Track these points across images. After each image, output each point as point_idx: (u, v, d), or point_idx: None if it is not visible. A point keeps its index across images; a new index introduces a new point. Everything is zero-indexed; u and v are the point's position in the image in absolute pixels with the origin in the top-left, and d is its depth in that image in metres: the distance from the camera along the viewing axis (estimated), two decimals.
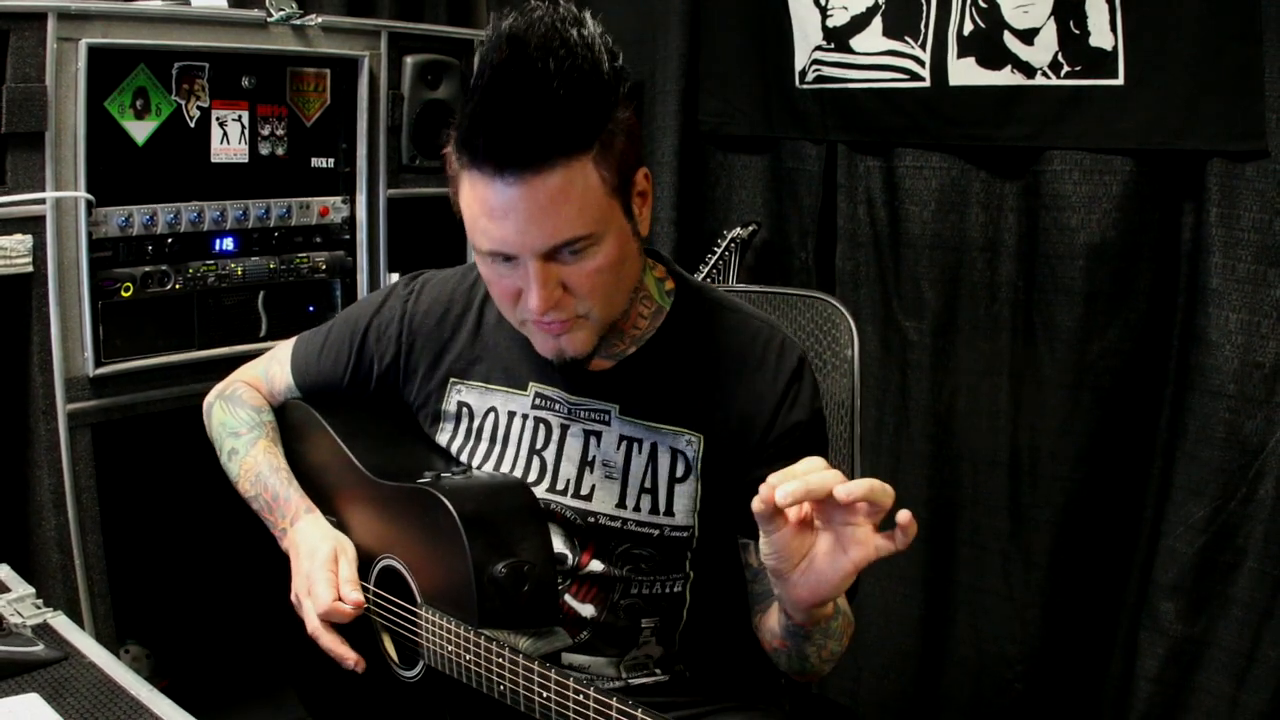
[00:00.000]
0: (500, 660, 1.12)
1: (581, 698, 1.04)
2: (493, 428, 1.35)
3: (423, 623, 1.23)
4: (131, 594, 2.14)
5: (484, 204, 1.12)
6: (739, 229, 2.37)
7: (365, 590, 1.32)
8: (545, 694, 1.08)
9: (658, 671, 1.34)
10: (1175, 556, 1.94)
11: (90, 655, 1.28)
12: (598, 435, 1.30)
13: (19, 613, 1.35)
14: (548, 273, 1.14)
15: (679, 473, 1.27)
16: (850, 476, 1.51)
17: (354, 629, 1.35)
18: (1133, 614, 2.04)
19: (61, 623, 1.35)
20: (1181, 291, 1.94)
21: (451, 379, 1.38)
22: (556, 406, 1.32)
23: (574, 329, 1.20)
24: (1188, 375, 1.93)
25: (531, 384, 1.33)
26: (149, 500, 2.26)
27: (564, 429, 1.32)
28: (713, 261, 2.35)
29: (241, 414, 1.48)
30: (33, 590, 1.41)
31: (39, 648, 1.26)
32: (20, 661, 1.23)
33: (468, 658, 1.16)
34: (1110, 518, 2.04)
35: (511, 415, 1.34)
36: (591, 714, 1.03)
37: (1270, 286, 1.79)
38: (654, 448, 1.28)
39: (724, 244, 2.35)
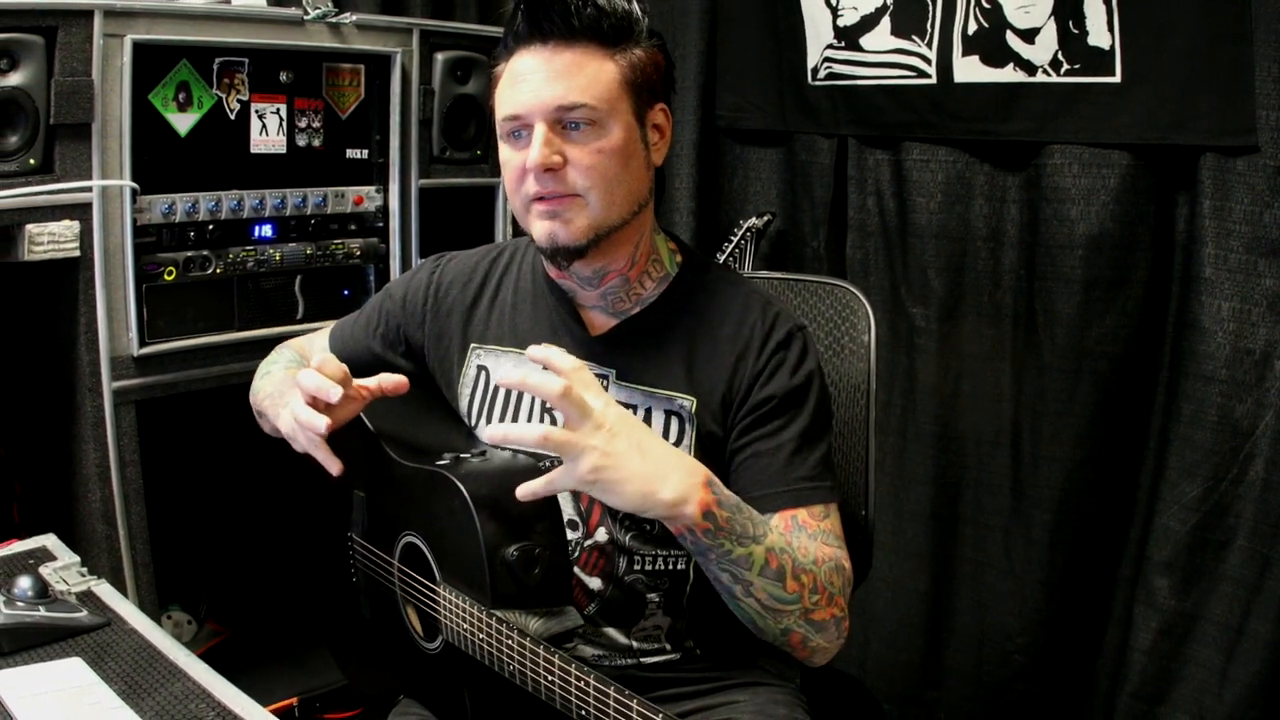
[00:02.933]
0: (510, 643, 1.14)
1: (582, 684, 1.05)
2: (508, 390, 1.40)
3: (441, 600, 1.25)
4: (175, 562, 2.20)
5: (510, 76, 1.28)
6: (754, 219, 2.44)
7: (390, 564, 1.35)
8: (550, 678, 1.09)
9: (668, 646, 1.37)
10: (1169, 534, 2.00)
11: (132, 621, 1.34)
12: None
13: (64, 580, 1.42)
14: (550, 138, 1.25)
15: (672, 438, 1.31)
16: (865, 459, 1.58)
17: (381, 598, 1.39)
18: (1128, 589, 2.09)
19: (105, 590, 1.42)
20: (1176, 280, 1.99)
21: (472, 344, 1.44)
22: None
23: (569, 210, 1.27)
24: (1181, 361, 1.98)
25: (545, 345, 1.38)
26: (191, 474, 2.32)
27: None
28: (729, 250, 2.41)
29: (285, 354, 1.59)
30: (78, 559, 1.48)
31: (82, 614, 1.32)
32: (64, 627, 1.30)
33: (481, 637, 1.18)
34: (1107, 496, 2.10)
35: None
36: (591, 701, 1.05)
37: (1260, 276, 1.84)
38: (648, 413, 1.33)
39: (740, 233, 2.42)
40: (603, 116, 1.26)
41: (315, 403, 1.28)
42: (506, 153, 1.30)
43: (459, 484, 1.22)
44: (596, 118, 1.25)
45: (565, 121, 1.25)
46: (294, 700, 2.17)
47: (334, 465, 1.31)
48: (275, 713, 1.27)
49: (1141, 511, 2.07)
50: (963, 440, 2.26)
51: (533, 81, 1.25)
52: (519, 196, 1.30)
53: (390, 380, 1.31)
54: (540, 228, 1.28)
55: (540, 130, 1.24)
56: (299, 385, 1.29)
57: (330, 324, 1.64)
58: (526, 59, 1.26)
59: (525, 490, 1.14)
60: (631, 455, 1.12)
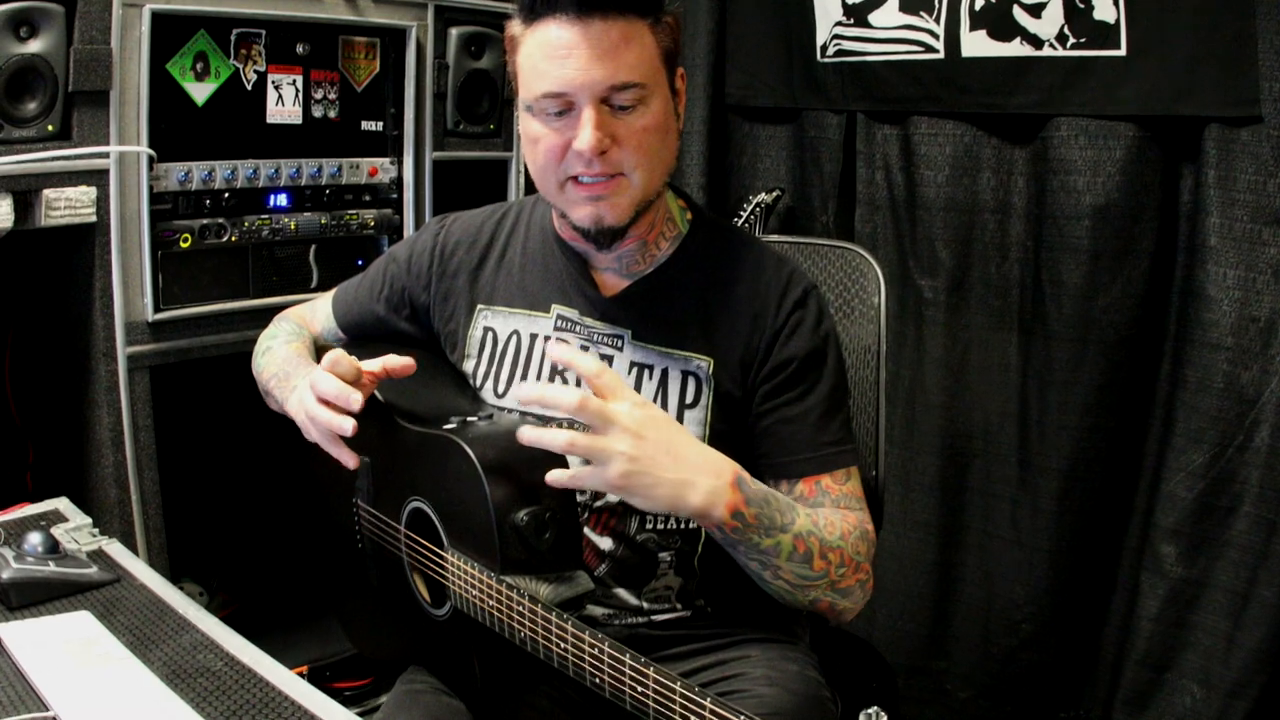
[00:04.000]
0: (520, 609, 1.12)
1: (595, 651, 1.04)
2: (515, 350, 1.39)
3: (449, 567, 1.23)
4: (188, 533, 2.20)
5: (549, 47, 1.20)
6: (764, 194, 2.45)
7: (397, 530, 1.33)
8: (563, 644, 1.08)
9: (679, 606, 1.37)
10: (1175, 501, 2.01)
11: (141, 578, 1.35)
12: (610, 360, 1.34)
13: (75, 540, 1.43)
14: (601, 117, 1.20)
15: (689, 399, 1.31)
16: (876, 420, 1.61)
17: (387, 565, 1.37)
18: (1135, 557, 2.10)
19: (115, 549, 1.43)
20: (1181, 250, 2.01)
21: (479, 305, 1.43)
22: (577, 329, 1.36)
23: (615, 193, 1.24)
24: (1187, 329, 1.99)
25: (554, 306, 1.38)
26: (204, 440, 2.32)
27: (583, 351, 1.34)
28: (739, 225, 2.42)
29: (285, 326, 1.57)
30: (89, 520, 1.50)
31: (92, 570, 1.33)
32: (73, 582, 1.31)
33: (491, 603, 1.16)
34: (1114, 465, 2.11)
35: (534, 337, 1.38)
36: (606, 668, 1.04)
37: (1265, 245, 1.86)
38: (664, 374, 1.32)
39: (750, 208, 2.43)
40: (649, 93, 1.23)
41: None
42: (539, 129, 1.25)
43: (466, 448, 1.20)
44: (645, 95, 1.22)
45: (614, 101, 1.21)
46: (304, 669, 2.18)
47: (351, 461, 1.28)
48: None
49: (1148, 479, 2.08)
50: (970, 411, 2.27)
51: (579, 58, 1.18)
52: (554, 174, 1.26)
53: (395, 362, 1.29)
54: (584, 211, 1.26)
55: (590, 112, 1.20)
56: (316, 389, 1.26)
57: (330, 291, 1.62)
58: (565, 31, 1.19)
59: (552, 478, 1.14)
60: (660, 459, 1.12)
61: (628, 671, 1.01)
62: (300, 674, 2.13)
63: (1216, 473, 1.96)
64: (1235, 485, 1.94)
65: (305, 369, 1.39)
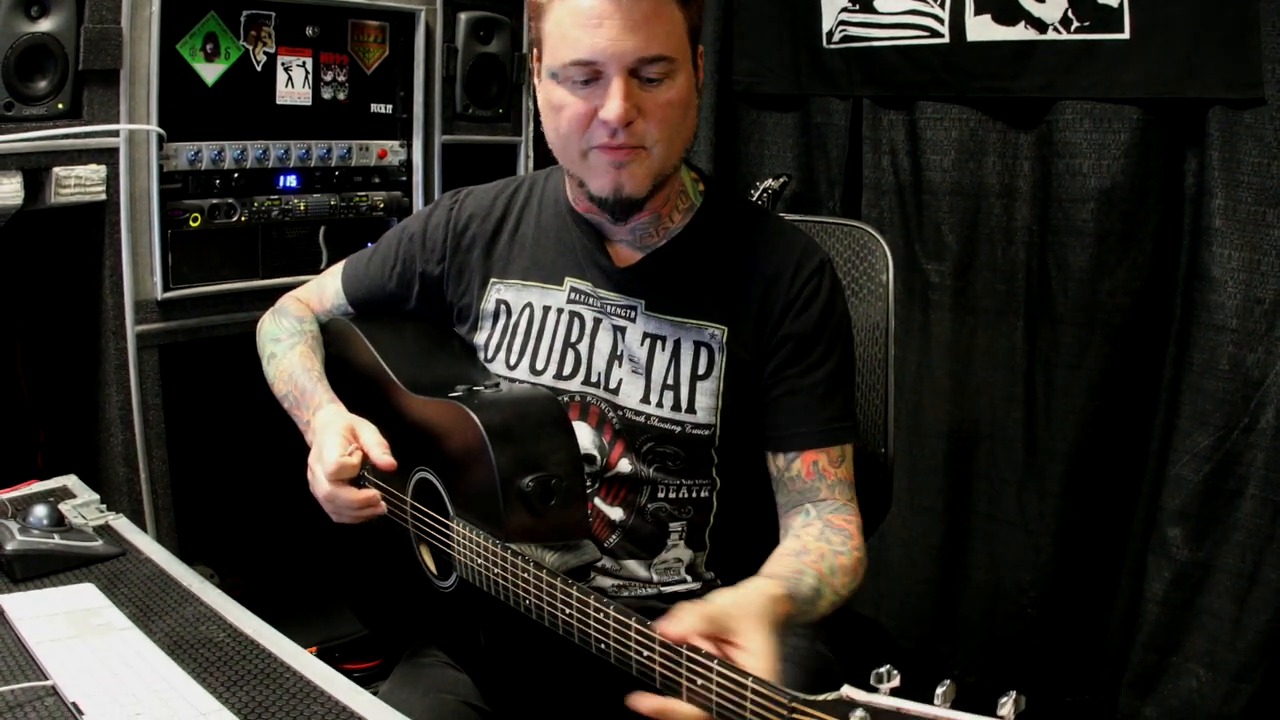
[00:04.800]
0: (525, 575, 1.11)
1: (601, 616, 1.03)
2: (528, 323, 1.39)
3: (454, 535, 1.22)
4: (199, 515, 2.21)
5: (580, 15, 1.19)
6: (771, 181, 2.45)
7: (403, 501, 1.33)
8: (568, 610, 1.07)
9: (689, 579, 1.37)
10: (1181, 484, 2.00)
11: (147, 551, 1.35)
12: (623, 330, 1.34)
13: (82, 515, 1.42)
14: (629, 88, 1.20)
15: (701, 370, 1.31)
16: (884, 397, 1.61)
17: (393, 538, 1.37)
18: (1141, 539, 2.10)
19: (122, 524, 1.43)
20: (1186, 232, 2.01)
21: (492, 279, 1.43)
22: (590, 300, 1.36)
23: (636, 162, 1.24)
24: (1193, 311, 1.99)
25: (567, 278, 1.38)
26: (213, 421, 2.33)
27: (596, 322, 1.36)
28: None
29: (285, 323, 1.55)
30: (97, 496, 1.49)
31: (98, 543, 1.32)
32: (78, 555, 1.30)
33: (496, 571, 1.15)
34: (1120, 448, 2.11)
35: (547, 310, 1.38)
36: (611, 634, 1.03)
37: (1269, 226, 1.86)
38: (677, 344, 1.32)
39: (757, 195, 2.43)
40: (676, 68, 1.23)
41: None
42: (564, 97, 1.24)
43: (473, 414, 1.19)
44: (672, 70, 1.22)
45: (642, 73, 1.21)
46: (313, 650, 2.14)
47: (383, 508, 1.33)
48: None
49: (1154, 462, 2.08)
50: (977, 394, 2.27)
51: (610, 28, 1.18)
52: (578, 142, 1.26)
53: (383, 461, 1.30)
54: (604, 179, 1.26)
55: (619, 82, 1.20)
56: (339, 504, 1.30)
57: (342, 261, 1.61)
58: (599, 1, 1.19)
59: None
60: None
61: (633, 636, 1.00)
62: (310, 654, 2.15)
63: (1222, 455, 1.96)
64: (1241, 468, 1.94)
65: (315, 394, 1.41)
